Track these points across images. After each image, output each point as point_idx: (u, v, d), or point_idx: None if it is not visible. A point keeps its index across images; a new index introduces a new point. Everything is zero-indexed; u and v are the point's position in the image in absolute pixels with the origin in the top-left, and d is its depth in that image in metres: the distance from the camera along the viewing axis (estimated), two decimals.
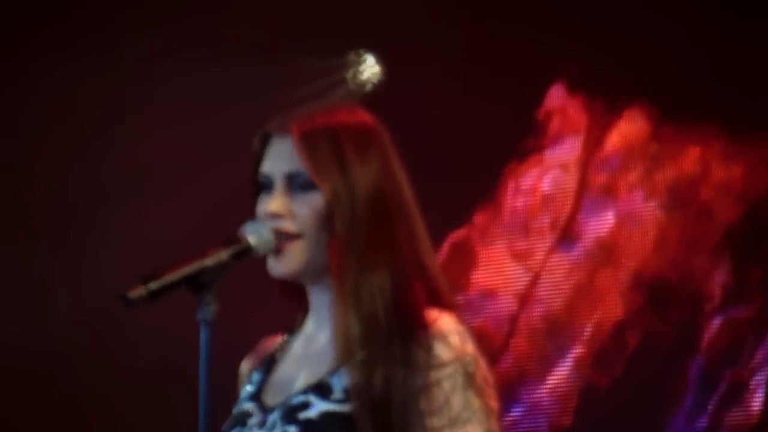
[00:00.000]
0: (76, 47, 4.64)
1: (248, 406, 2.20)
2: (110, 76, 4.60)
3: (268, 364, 2.26)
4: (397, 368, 2.08)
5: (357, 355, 2.11)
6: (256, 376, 2.26)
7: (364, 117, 2.22)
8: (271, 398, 2.19)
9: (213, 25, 4.57)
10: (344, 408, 2.09)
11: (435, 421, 2.07)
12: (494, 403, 2.11)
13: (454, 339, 2.10)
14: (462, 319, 2.16)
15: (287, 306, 2.26)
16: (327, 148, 2.16)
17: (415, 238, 2.17)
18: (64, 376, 4.65)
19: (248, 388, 2.25)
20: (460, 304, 2.19)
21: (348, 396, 2.10)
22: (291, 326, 2.28)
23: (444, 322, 2.11)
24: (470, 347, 2.11)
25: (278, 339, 2.30)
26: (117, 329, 4.47)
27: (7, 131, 4.71)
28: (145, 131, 4.59)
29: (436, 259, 2.20)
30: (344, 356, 2.13)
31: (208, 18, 4.58)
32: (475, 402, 2.08)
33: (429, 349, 2.09)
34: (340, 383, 2.12)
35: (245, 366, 2.32)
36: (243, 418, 2.19)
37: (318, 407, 2.10)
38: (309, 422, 2.10)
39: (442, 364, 2.09)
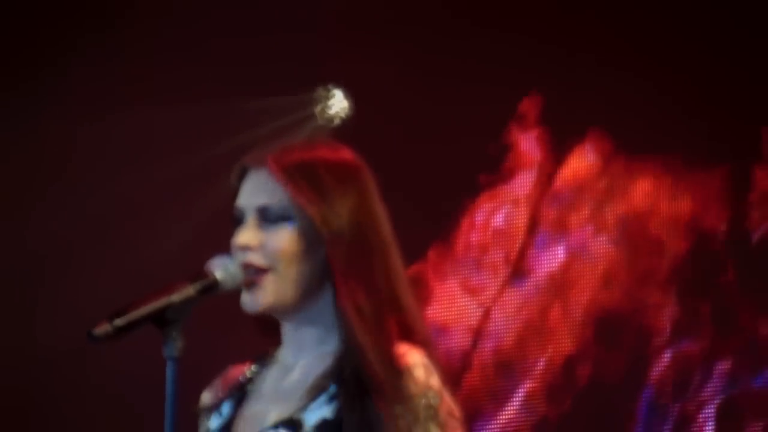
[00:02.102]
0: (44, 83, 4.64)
1: None
2: (76, 114, 4.59)
3: (239, 397, 2.24)
4: (364, 402, 2.09)
5: (332, 387, 2.11)
6: (225, 408, 2.24)
7: (345, 154, 2.23)
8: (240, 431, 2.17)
9: (180, 62, 4.57)
10: None
11: None
12: None
13: (419, 373, 2.11)
14: (432, 354, 2.15)
15: (260, 338, 2.24)
16: (306, 179, 2.17)
17: (392, 274, 2.17)
18: (28, 410, 4.61)
19: (215, 421, 2.23)
20: (432, 340, 2.19)
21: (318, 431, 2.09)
22: (260, 355, 2.27)
23: (410, 356, 2.12)
24: (435, 381, 2.12)
25: (245, 368, 2.28)
26: (88, 361, 4.45)
27: None
28: (120, 168, 4.57)
29: (412, 296, 2.20)
30: (319, 389, 2.12)
31: (176, 56, 4.57)
32: None
33: (395, 382, 2.10)
34: (311, 420, 2.11)
35: (206, 396, 2.30)
36: None
37: None
38: None
39: (406, 398, 2.09)
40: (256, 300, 2.15)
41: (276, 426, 2.13)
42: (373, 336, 2.13)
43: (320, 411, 2.12)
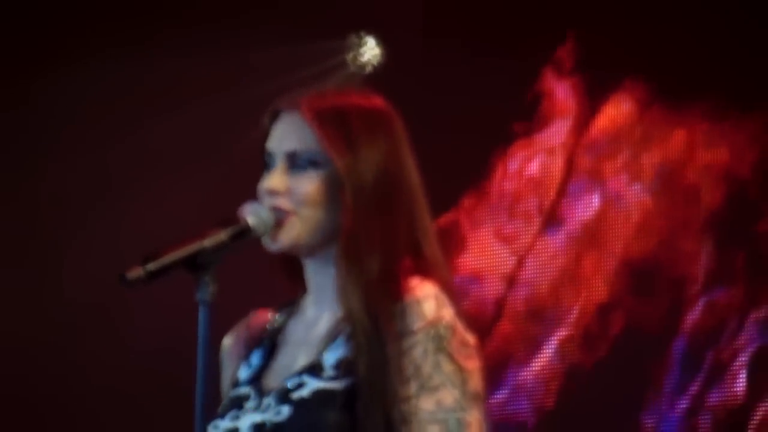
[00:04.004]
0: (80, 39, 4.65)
1: (245, 390, 2.19)
2: (110, 63, 4.60)
3: (268, 347, 2.25)
4: (378, 344, 2.07)
5: (346, 329, 2.11)
6: (255, 359, 2.25)
7: (377, 101, 2.22)
8: (270, 382, 2.19)
9: (214, 8, 4.57)
10: (336, 385, 2.09)
11: (407, 390, 2.05)
12: (473, 365, 2.07)
13: (428, 305, 2.07)
14: (447, 287, 2.12)
15: (287, 286, 2.25)
16: (336, 125, 2.16)
17: (416, 225, 2.16)
18: (67, 355, 4.65)
19: (245, 371, 2.24)
20: (451, 280, 2.17)
21: (339, 372, 2.10)
22: (286, 303, 2.28)
23: (419, 289, 2.09)
24: (447, 312, 2.08)
25: (268, 315, 2.29)
26: (118, 311, 4.47)
27: (11, 120, 4.70)
28: (150, 115, 4.59)
29: (438, 248, 2.18)
30: (337, 331, 2.13)
31: (209, 2, 4.58)
32: (447, 366, 2.05)
33: (403, 316, 2.07)
34: (330, 360, 2.12)
35: (228, 341, 2.30)
36: (239, 402, 2.18)
37: (310, 386, 2.10)
38: (301, 401, 2.09)
39: (414, 331, 2.06)
40: (277, 238, 2.16)
41: (300, 373, 2.14)
42: (373, 286, 2.10)
43: (338, 351, 2.12)
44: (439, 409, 2.04)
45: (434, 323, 2.07)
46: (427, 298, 2.08)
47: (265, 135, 2.22)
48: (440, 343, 2.05)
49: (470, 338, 2.09)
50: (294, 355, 2.20)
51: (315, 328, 2.20)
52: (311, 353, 2.16)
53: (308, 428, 2.07)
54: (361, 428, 2.05)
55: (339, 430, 2.06)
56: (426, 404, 2.04)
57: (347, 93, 2.23)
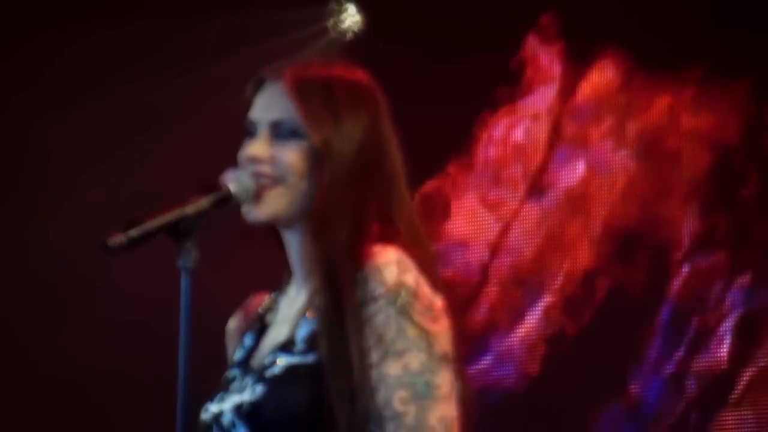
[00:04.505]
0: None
1: (234, 372, 2.20)
2: (97, 31, 4.59)
3: (259, 328, 2.25)
4: (339, 311, 2.05)
5: (316, 302, 2.10)
6: (247, 340, 2.25)
7: (360, 74, 2.20)
8: (255, 362, 2.19)
9: None
10: (307, 359, 2.08)
11: (371, 357, 2.03)
12: (439, 327, 2.05)
13: (389, 270, 2.05)
14: (419, 254, 2.09)
15: (273, 256, 2.25)
16: (319, 97, 2.15)
17: (390, 194, 2.14)
18: (46, 323, 4.65)
19: (238, 353, 2.24)
20: (427, 248, 2.13)
21: (307, 346, 2.09)
22: (277, 284, 2.28)
23: (381, 255, 2.07)
24: (409, 277, 2.05)
25: (265, 298, 2.29)
26: (99, 278, 4.47)
27: None
28: (131, 80, 4.57)
29: (412, 215, 2.15)
30: (308, 305, 2.13)
31: None
32: (411, 331, 2.03)
33: (364, 283, 2.05)
34: (301, 334, 2.11)
35: (232, 323, 2.30)
36: (227, 384, 2.18)
37: (282, 362, 2.09)
38: (273, 378, 2.08)
39: (375, 298, 2.04)
40: (261, 210, 2.15)
41: (274, 350, 2.13)
42: (337, 258, 2.08)
43: (308, 326, 2.11)
44: (405, 373, 2.02)
45: (395, 288, 2.04)
46: (388, 264, 2.05)
47: (248, 103, 2.21)
48: (403, 308, 2.03)
49: (436, 300, 2.07)
50: (276, 334, 2.20)
51: (293, 304, 2.20)
52: (288, 330, 2.15)
53: (280, 404, 2.06)
54: (328, 400, 2.03)
55: (310, 403, 2.05)
56: (392, 369, 2.02)
57: (331, 65, 2.22)
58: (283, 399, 2.06)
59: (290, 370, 2.08)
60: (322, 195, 2.12)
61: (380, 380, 2.03)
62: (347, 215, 2.11)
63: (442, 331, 2.05)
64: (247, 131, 2.20)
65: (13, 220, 4.72)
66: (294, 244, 2.19)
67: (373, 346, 2.02)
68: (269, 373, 2.09)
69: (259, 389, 2.09)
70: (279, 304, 2.24)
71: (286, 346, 2.11)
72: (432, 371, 2.03)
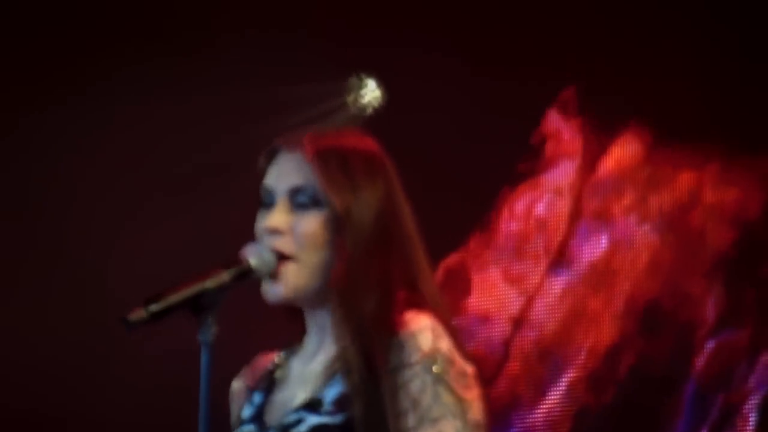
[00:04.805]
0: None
1: (248, 428, 2.20)
2: (115, 94, 4.61)
3: (268, 385, 2.26)
4: (372, 376, 2.07)
5: (348, 366, 2.11)
6: (256, 398, 2.26)
7: (372, 143, 2.24)
8: (270, 419, 2.19)
9: (219, 47, 4.58)
10: (333, 419, 2.09)
11: (408, 422, 2.05)
12: (473, 394, 2.09)
13: (424, 337, 2.08)
14: (444, 321, 2.12)
15: (287, 326, 2.25)
16: (338, 165, 2.17)
17: (411, 262, 2.17)
18: (64, 395, 4.64)
19: (247, 410, 2.25)
20: (449, 314, 2.16)
21: (337, 407, 2.10)
22: (288, 343, 2.28)
23: (415, 321, 2.10)
24: (443, 343, 2.09)
25: (273, 357, 2.29)
26: (118, 351, 4.46)
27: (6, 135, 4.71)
28: (148, 150, 4.59)
29: (433, 282, 2.19)
30: (334, 368, 2.14)
31: (212, 40, 4.59)
32: (447, 397, 2.06)
33: (399, 349, 2.07)
34: (329, 396, 2.12)
35: (237, 384, 2.31)
36: None
37: (309, 422, 2.10)
38: None
39: (411, 364, 2.07)
40: (278, 290, 2.16)
41: (298, 409, 2.14)
42: (367, 326, 2.10)
43: (336, 387, 2.12)
44: None
45: (431, 355, 2.07)
46: (423, 331, 2.08)
47: (261, 174, 2.22)
48: (439, 375, 2.06)
49: (468, 368, 2.10)
50: (293, 392, 2.21)
51: (312, 365, 2.21)
52: (309, 390, 2.16)
53: None
54: None
55: None
56: None
57: (344, 134, 2.24)
58: None
59: (317, 430, 2.09)
60: (343, 263, 2.13)
61: None
62: (373, 282, 2.13)
63: (475, 399, 2.09)
64: (262, 202, 2.20)
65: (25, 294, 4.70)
66: (314, 312, 2.21)
67: (409, 411, 2.05)
68: (294, 431, 2.10)
69: None
70: (291, 363, 2.25)
71: (312, 407, 2.12)
72: None
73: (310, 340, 2.23)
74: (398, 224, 2.17)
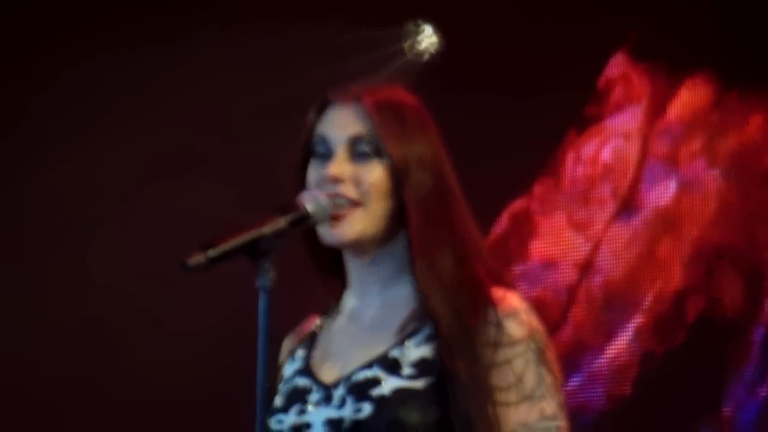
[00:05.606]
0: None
1: (302, 381, 2.19)
2: (146, 51, 4.62)
3: (310, 344, 2.26)
4: (468, 344, 2.10)
5: (426, 328, 2.13)
6: (300, 352, 2.26)
7: (416, 98, 2.24)
8: (326, 374, 2.19)
9: None
10: (417, 384, 2.10)
11: (509, 397, 2.09)
12: (560, 377, 2.14)
13: (524, 316, 2.12)
14: (524, 298, 2.17)
15: (323, 289, 2.26)
16: (395, 119, 2.17)
17: (468, 218, 2.19)
18: (120, 344, 4.68)
19: (293, 365, 2.24)
20: (517, 285, 2.20)
21: (419, 371, 2.11)
22: (326, 308, 2.28)
23: (512, 299, 2.13)
24: (538, 323, 2.14)
25: (316, 319, 2.29)
26: (174, 298, 4.50)
27: (53, 108, 4.73)
28: (195, 104, 4.60)
29: (483, 243, 2.21)
30: (410, 329, 2.15)
31: None
32: (548, 378, 2.11)
33: (499, 326, 2.10)
34: (409, 358, 2.13)
35: (287, 344, 2.32)
36: (301, 394, 2.18)
37: (390, 383, 2.10)
38: (383, 399, 2.10)
39: (514, 342, 2.10)
40: (341, 232, 2.16)
41: (369, 365, 2.13)
42: (453, 286, 2.13)
43: (418, 350, 2.13)
44: (542, 419, 2.09)
45: (532, 334, 2.12)
46: (521, 310, 2.13)
47: (310, 126, 2.22)
48: (540, 354, 2.11)
49: (554, 348, 2.16)
50: (346, 347, 2.20)
51: (363, 319, 2.21)
52: (372, 345, 2.16)
53: (390, 427, 2.09)
54: (448, 427, 2.08)
55: (420, 429, 2.08)
56: (530, 414, 2.09)
57: (395, 89, 2.24)
58: (393, 421, 2.09)
59: (401, 393, 2.10)
60: (416, 215, 2.15)
61: (515, 421, 2.10)
62: (445, 239, 2.15)
63: (561, 380, 2.14)
64: (314, 151, 2.20)
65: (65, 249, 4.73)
66: (360, 263, 2.21)
67: (512, 387, 2.10)
68: (376, 393, 2.11)
69: (368, 408, 2.10)
70: (335, 321, 2.25)
71: (388, 365, 2.12)
72: (561, 418, 2.12)
73: (353, 294, 2.23)
74: (449, 179, 2.19)
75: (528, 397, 2.09)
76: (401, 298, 2.18)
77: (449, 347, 2.10)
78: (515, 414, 2.09)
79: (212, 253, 2.07)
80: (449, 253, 2.14)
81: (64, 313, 4.63)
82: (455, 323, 2.11)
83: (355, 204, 2.16)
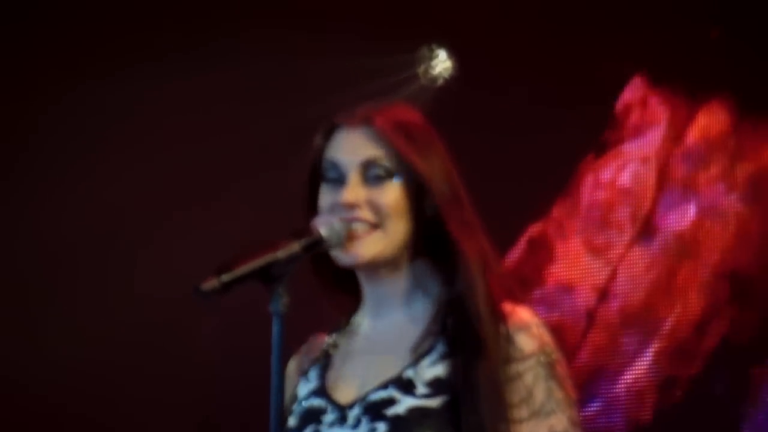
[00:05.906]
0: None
1: (317, 402, 2.19)
2: (171, 72, 4.64)
3: (324, 364, 2.25)
4: (483, 360, 2.09)
5: (440, 346, 2.13)
6: (313, 373, 2.25)
7: (419, 114, 2.25)
8: (341, 395, 2.18)
9: (286, 23, 4.59)
10: (431, 402, 2.10)
11: (519, 413, 2.08)
12: (573, 393, 2.13)
13: (535, 330, 2.12)
14: (535, 312, 2.17)
15: (332, 306, 2.26)
16: (407, 136, 2.18)
17: (483, 230, 2.20)
18: (139, 371, 4.68)
19: (303, 388, 2.24)
20: (529, 300, 2.20)
21: (433, 390, 2.11)
22: (336, 325, 2.28)
23: (522, 313, 2.13)
24: (549, 338, 2.13)
25: (326, 338, 2.29)
26: (188, 323, 4.50)
27: (74, 131, 4.75)
28: (216, 129, 4.62)
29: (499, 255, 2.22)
30: (424, 347, 2.14)
31: (280, 13, 4.60)
32: (558, 393, 2.10)
33: (510, 340, 2.10)
34: (423, 377, 2.13)
35: (293, 364, 2.31)
36: (315, 415, 2.18)
37: (405, 403, 2.10)
38: (398, 418, 2.10)
39: (525, 356, 2.10)
40: (358, 253, 2.16)
41: (385, 386, 2.13)
42: (486, 292, 2.14)
43: (432, 369, 2.13)
44: None
45: (543, 348, 2.11)
46: (532, 324, 2.12)
47: (319, 151, 2.22)
48: (550, 369, 2.10)
49: (566, 365, 2.14)
50: (362, 367, 2.20)
51: (378, 338, 2.21)
52: (388, 365, 2.16)
53: None
54: None
55: None
56: (539, 429, 2.08)
57: (399, 108, 2.25)
58: None
59: (416, 412, 2.10)
60: (455, 229, 2.16)
61: None
62: (477, 254, 2.15)
63: (575, 397, 2.13)
64: (325, 176, 2.20)
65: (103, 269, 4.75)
66: (376, 282, 2.21)
67: (522, 403, 2.09)
68: (391, 412, 2.11)
69: (382, 428, 2.10)
70: (348, 340, 2.25)
71: (403, 385, 2.12)
72: None
73: (367, 314, 2.23)
74: (463, 192, 2.20)
75: (537, 413, 2.08)
76: (415, 318, 2.19)
77: (464, 369, 2.09)
78: (524, 429, 2.08)
79: (226, 277, 2.08)
80: (480, 258, 2.15)
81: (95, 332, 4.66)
82: (474, 345, 2.10)
83: (374, 227, 2.16)
